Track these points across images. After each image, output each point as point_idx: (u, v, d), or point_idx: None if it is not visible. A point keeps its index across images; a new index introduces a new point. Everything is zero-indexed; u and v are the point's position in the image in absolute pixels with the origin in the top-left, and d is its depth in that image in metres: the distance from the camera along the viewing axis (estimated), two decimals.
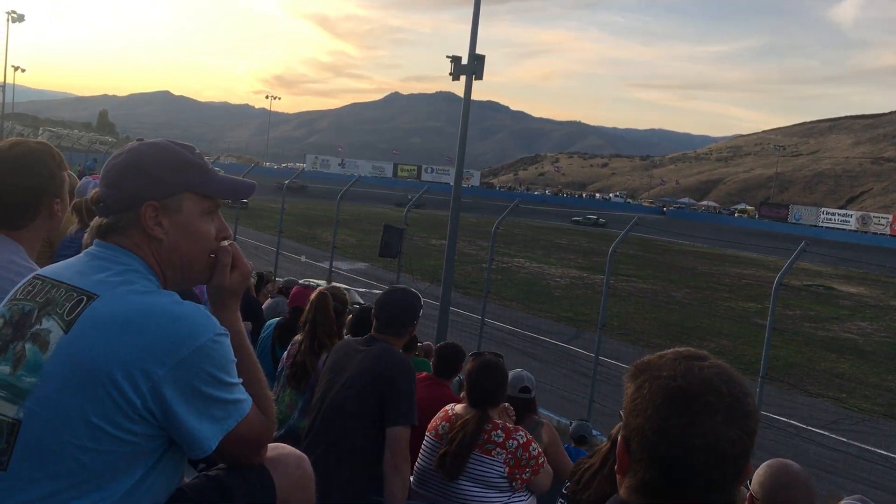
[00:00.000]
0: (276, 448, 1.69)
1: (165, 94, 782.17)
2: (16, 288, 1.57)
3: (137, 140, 1.66)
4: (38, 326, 1.45)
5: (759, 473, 2.54)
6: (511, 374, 4.36)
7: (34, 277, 1.57)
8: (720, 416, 1.16)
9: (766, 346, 9.12)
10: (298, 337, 4.18)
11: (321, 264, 23.13)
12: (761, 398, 9.20)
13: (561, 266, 39.98)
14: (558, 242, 51.02)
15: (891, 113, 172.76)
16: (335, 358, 3.38)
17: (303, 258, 24.46)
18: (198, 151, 1.65)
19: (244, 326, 5.68)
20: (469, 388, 3.38)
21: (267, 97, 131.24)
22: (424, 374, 4.55)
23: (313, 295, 4.21)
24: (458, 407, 3.44)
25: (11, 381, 1.43)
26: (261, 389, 1.63)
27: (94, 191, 1.61)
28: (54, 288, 1.50)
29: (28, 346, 1.44)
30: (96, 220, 1.58)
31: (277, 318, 5.41)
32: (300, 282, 6.79)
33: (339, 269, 26.85)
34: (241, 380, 1.53)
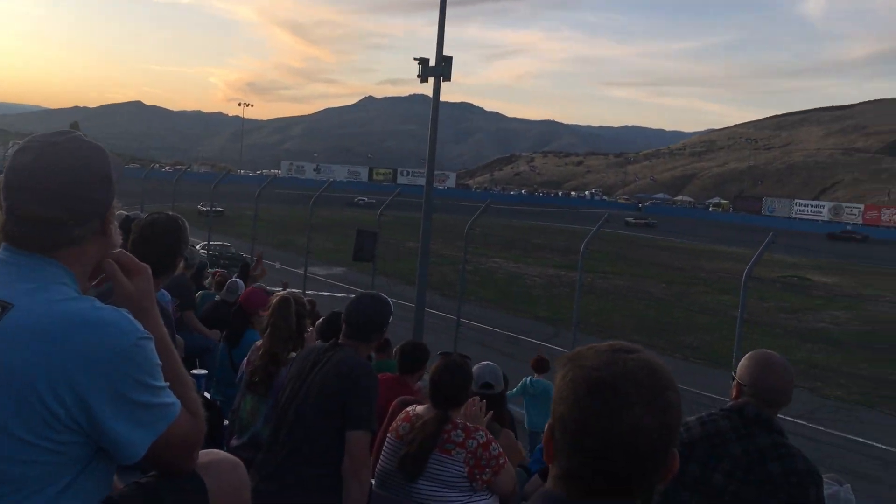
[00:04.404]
0: (210, 454, 1.67)
1: (137, 104, 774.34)
2: None
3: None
4: None
5: (742, 363, 2.79)
6: (475, 367, 4.32)
7: None
8: (637, 409, 1.16)
9: (737, 338, 9.19)
10: (259, 343, 4.14)
11: (297, 270, 23.00)
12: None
13: (538, 265, 40.08)
14: (536, 242, 51.18)
15: (860, 104, 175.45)
16: (299, 365, 3.36)
17: (277, 265, 24.27)
18: None
19: (213, 334, 5.60)
20: (431, 388, 3.38)
21: (240, 104, 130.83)
22: (388, 375, 4.53)
23: (275, 300, 4.16)
24: (420, 408, 3.43)
25: None
26: (188, 392, 1.59)
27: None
28: None
29: None
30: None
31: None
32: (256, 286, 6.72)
33: (316, 275, 26.74)
34: (167, 383, 1.49)
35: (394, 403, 3.74)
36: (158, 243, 2.85)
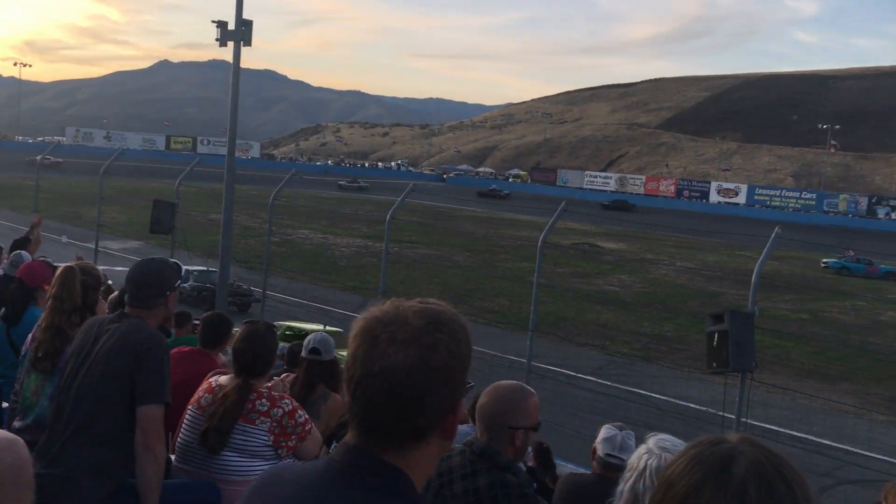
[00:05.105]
0: None
1: None
2: None
3: None
4: None
5: None
6: (311, 335, 4.37)
7: None
8: (400, 344, 1.17)
9: (533, 301, 9.73)
10: (43, 316, 3.84)
11: (87, 244, 21.47)
12: (532, 351, 9.83)
13: (346, 235, 40.07)
14: (343, 212, 51.05)
15: (641, 82, 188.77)
16: (82, 337, 3.12)
17: (63, 238, 22.49)
18: None
19: None
20: (233, 357, 3.31)
21: (16, 64, 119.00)
22: (188, 347, 4.40)
23: (59, 270, 3.86)
24: (223, 378, 3.35)
25: None
26: None
27: None
28: None
29: None
30: None
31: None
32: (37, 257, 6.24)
33: (109, 249, 25.15)
34: None
35: (208, 376, 3.63)
36: None
